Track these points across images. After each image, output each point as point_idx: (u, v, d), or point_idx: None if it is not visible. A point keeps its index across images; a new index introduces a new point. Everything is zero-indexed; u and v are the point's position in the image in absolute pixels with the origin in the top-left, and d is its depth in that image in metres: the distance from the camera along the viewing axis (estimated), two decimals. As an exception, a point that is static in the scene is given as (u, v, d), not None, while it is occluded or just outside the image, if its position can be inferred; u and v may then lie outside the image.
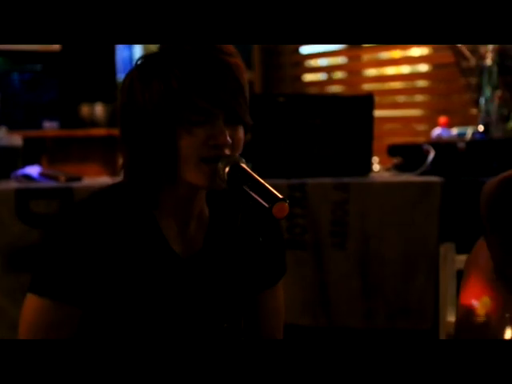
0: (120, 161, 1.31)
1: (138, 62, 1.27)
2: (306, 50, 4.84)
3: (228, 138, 1.22)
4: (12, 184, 2.46)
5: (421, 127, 4.06)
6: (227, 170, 1.21)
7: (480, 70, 3.00)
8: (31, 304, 1.26)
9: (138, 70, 1.26)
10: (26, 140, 3.13)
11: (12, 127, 3.91)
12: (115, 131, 4.81)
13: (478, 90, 2.98)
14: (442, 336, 2.41)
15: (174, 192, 1.28)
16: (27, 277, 2.23)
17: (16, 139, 2.89)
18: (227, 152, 1.23)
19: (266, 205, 1.13)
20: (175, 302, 1.29)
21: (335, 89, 4.76)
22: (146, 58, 1.27)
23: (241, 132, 1.26)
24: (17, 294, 2.27)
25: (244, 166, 1.22)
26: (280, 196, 1.14)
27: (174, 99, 1.21)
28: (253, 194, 1.16)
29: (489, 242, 1.31)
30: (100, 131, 4.71)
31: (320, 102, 2.70)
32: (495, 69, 2.86)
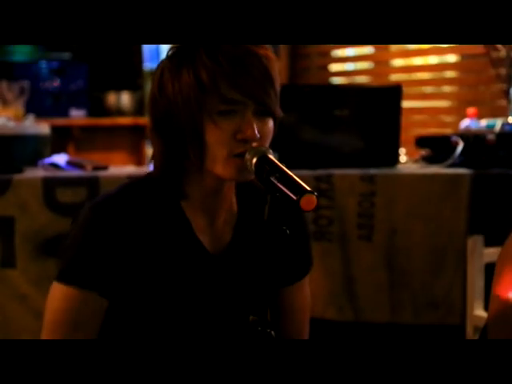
0: (146, 150, 1.31)
1: (169, 53, 1.26)
2: (333, 39, 4.80)
3: (256, 132, 1.21)
4: (39, 172, 2.47)
5: (449, 118, 4.02)
6: (254, 161, 1.20)
7: (510, 60, 2.95)
8: (58, 293, 1.26)
9: (169, 60, 1.26)
10: (53, 128, 3.15)
11: (40, 115, 3.94)
12: (141, 120, 4.83)
13: (508, 80, 2.94)
14: (470, 330, 2.39)
15: (202, 183, 1.27)
16: (54, 265, 2.27)
17: (44, 127, 2.91)
18: (255, 145, 1.22)
19: (294, 197, 1.12)
20: (202, 295, 1.29)
21: (362, 79, 4.73)
22: (177, 48, 1.27)
23: (270, 125, 1.25)
24: (43, 283, 2.28)
25: (272, 157, 1.20)
26: (308, 188, 1.12)
27: (203, 89, 1.21)
28: (280, 186, 1.15)
29: None
30: (126, 120, 4.73)
31: (347, 93, 2.68)
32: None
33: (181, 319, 1.27)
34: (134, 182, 1.32)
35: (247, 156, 1.20)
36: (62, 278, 1.25)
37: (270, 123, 1.25)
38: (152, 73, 1.29)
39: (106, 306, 1.25)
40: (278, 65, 1.26)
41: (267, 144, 1.25)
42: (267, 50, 1.24)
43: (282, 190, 1.14)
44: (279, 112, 1.26)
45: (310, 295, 1.42)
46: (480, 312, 2.38)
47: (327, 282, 2.40)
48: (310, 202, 1.12)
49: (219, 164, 1.22)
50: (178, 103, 1.22)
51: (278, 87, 1.25)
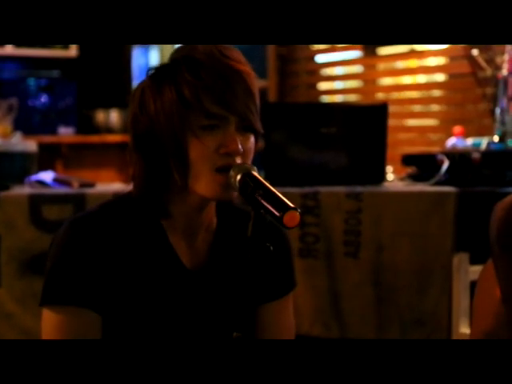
0: (131, 170, 1.30)
1: (150, 72, 1.27)
2: (321, 58, 4.83)
3: (240, 146, 1.22)
4: (25, 189, 2.47)
5: (436, 137, 4.05)
6: (239, 177, 1.20)
7: (496, 80, 2.99)
8: (48, 318, 1.24)
9: (150, 79, 1.26)
10: (42, 146, 3.14)
11: (28, 132, 3.93)
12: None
13: (494, 100, 2.98)
14: (455, 347, 2.39)
15: (184, 202, 1.27)
16: (39, 284, 2.25)
17: (31, 145, 2.91)
18: (238, 161, 1.22)
19: (278, 213, 1.13)
20: (182, 313, 1.29)
21: (350, 97, 4.76)
22: (157, 68, 1.27)
23: (251, 140, 1.26)
24: (28, 300, 2.27)
25: (256, 174, 1.21)
26: (291, 205, 1.13)
27: (186, 104, 1.21)
28: (264, 203, 1.15)
29: (497, 266, 1.29)
30: (115, 137, 4.73)
31: (334, 111, 2.69)
32: (511, 79, 2.84)
33: (162, 336, 1.27)
34: (115, 199, 1.31)
35: (231, 173, 1.21)
36: (49, 301, 1.24)
37: (252, 139, 1.26)
38: (134, 90, 1.30)
39: (100, 322, 1.24)
40: (257, 82, 1.28)
41: (249, 160, 1.25)
42: (247, 67, 1.25)
43: (266, 207, 1.15)
44: (260, 128, 1.27)
45: (293, 318, 1.40)
46: (466, 329, 2.38)
47: (314, 298, 2.40)
48: (293, 219, 1.13)
49: (202, 181, 1.22)
50: (161, 120, 1.23)
51: (258, 103, 1.26)
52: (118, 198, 1.32)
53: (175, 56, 1.26)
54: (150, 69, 1.27)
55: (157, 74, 1.26)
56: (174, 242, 1.29)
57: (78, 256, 1.23)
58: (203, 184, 1.23)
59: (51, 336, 1.24)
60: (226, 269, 1.31)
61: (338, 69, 4.87)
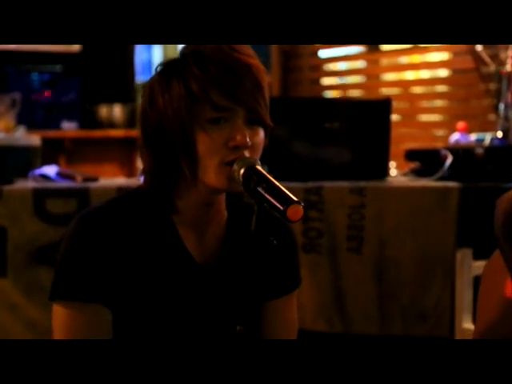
0: (137, 162, 1.31)
1: (158, 68, 1.28)
2: (324, 53, 4.83)
3: (248, 139, 1.22)
4: (29, 183, 2.48)
5: (439, 132, 4.05)
6: (242, 171, 1.20)
7: (500, 75, 2.98)
8: (58, 314, 1.25)
9: (159, 75, 1.27)
10: (45, 140, 3.16)
11: (31, 127, 3.94)
12: (133, 132, 4.84)
13: (498, 95, 2.97)
14: (458, 342, 2.39)
15: (193, 197, 1.28)
16: (44, 275, 2.28)
17: (34, 139, 2.92)
18: (246, 155, 1.22)
19: (281, 207, 1.12)
20: (191, 307, 1.29)
21: (353, 93, 4.76)
22: (166, 62, 1.28)
23: (261, 135, 1.26)
24: (34, 292, 2.28)
25: (259, 167, 1.21)
26: (295, 198, 1.13)
27: (194, 98, 1.22)
28: (267, 196, 1.15)
29: (506, 258, 1.29)
30: (118, 132, 4.74)
31: (337, 106, 2.69)
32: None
33: (170, 331, 1.27)
34: (124, 194, 1.32)
35: (235, 167, 1.21)
36: (59, 296, 1.24)
37: (261, 133, 1.26)
38: (143, 86, 1.30)
39: (111, 316, 1.24)
40: (267, 76, 1.28)
41: (258, 155, 1.25)
42: (256, 60, 1.25)
43: (269, 200, 1.15)
44: (269, 122, 1.26)
45: (296, 316, 1.41)
46: (468, 325, 2.38)
47: (317, 294, 2.40)
48: (296, 212, 1.13)
49: (211, 173, 1.23)
50: (169, 114, 1.23)
51: (267, 97, 1.26)
52: (126, 192, 1.32)
53: (184, 51, 1.26)
54: (159, 64, 1.28)
55: (165, 69, 1.26)
56: (184, 236, 1.29)
57: (87, 251, 1.23)
58: (212, 176, 1.23)
59: (63, 332, 1.24)
60: (235, 264, 1.31)
61: (341, 64, 4.86)
